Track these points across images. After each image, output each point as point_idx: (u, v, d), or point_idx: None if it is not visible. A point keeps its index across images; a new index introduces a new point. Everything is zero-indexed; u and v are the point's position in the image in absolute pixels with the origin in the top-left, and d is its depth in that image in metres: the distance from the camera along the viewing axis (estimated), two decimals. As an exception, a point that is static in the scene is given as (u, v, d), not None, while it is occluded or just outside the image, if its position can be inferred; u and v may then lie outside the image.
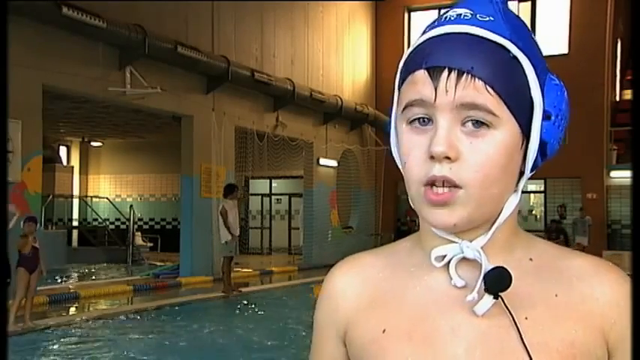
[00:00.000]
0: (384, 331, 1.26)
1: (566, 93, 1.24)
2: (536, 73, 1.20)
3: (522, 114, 1.18)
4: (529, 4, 26.98)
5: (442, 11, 1.30)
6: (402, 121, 1.21)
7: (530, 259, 1.27)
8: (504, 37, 1.17)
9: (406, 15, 29.18)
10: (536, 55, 1.21)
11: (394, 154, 1.29)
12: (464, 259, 1.22)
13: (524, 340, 1.16)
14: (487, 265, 1.19)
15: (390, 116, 1.29)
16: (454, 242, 1.22)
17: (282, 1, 22.42)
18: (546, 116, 1.21)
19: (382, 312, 1.28)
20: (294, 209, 29.64)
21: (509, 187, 1.22)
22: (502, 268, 1.18)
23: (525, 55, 1.18)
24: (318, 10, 24.99)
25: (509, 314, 1.18)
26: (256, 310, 14.43)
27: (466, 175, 1.14)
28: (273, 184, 30.73)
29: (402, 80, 1.22)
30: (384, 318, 1.27)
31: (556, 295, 1.22)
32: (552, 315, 1.21)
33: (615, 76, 28.87)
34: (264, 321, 12.94)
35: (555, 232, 21.93)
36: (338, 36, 26.34)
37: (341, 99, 24.78)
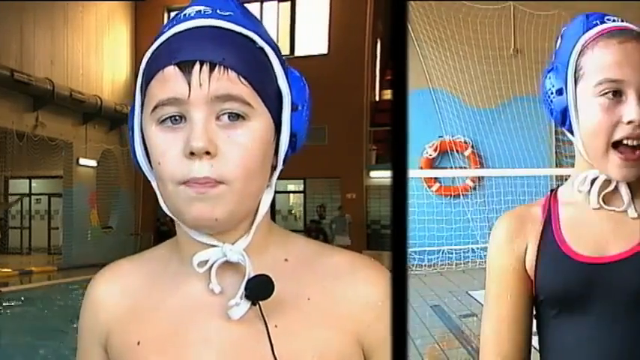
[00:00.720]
0: (138, 343, 1.23)
1: (307, 86, 1.24)
2: (281, 65, 1.20)
3: (273, 105, 1.17)
4: (289, 4, 26.23)
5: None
6: (150, 122, 1.16)
7: (286, 260, 1.24)
8: (248, 29, 1.17)
9: (166, 15, 28.28)
10: (277, 48, 1.21)
11: (138, 158, 1.26)
12: (225, 263, 1.18)
13: (275, 350, 1.14)
14: (250, 269, 1.17)
15: (130, 119, 1.28)
16: (216, 246, 1.18)
17: (42, 0, 22.18)
18: (294, 107, 1.20)
19: (138, 323, 1.25)
20: (54, 209, 29.04)
21: (264, 183, 1.19)
22: (265, 276, 1.15)
23: (270, 46, 1.19)
24: (77, 10, 24.65)
25: (264, 322, 1.15)
26: (16, 310, 14.37)
27: (227, 171, 1.11)
28: (33, 184, 29.95)
29: (148, 80, 1.17)
30: (139, 329, 1.24)
31: (309, 299, 1.20)
32: (304, 321, 1.18)
33: (375, 76, 28.24)
34: (24, 321, 12.97)
35: (315, 232, 22.01)
36: (97, 36, 26.05)
37: (100, 99, 24.57)
